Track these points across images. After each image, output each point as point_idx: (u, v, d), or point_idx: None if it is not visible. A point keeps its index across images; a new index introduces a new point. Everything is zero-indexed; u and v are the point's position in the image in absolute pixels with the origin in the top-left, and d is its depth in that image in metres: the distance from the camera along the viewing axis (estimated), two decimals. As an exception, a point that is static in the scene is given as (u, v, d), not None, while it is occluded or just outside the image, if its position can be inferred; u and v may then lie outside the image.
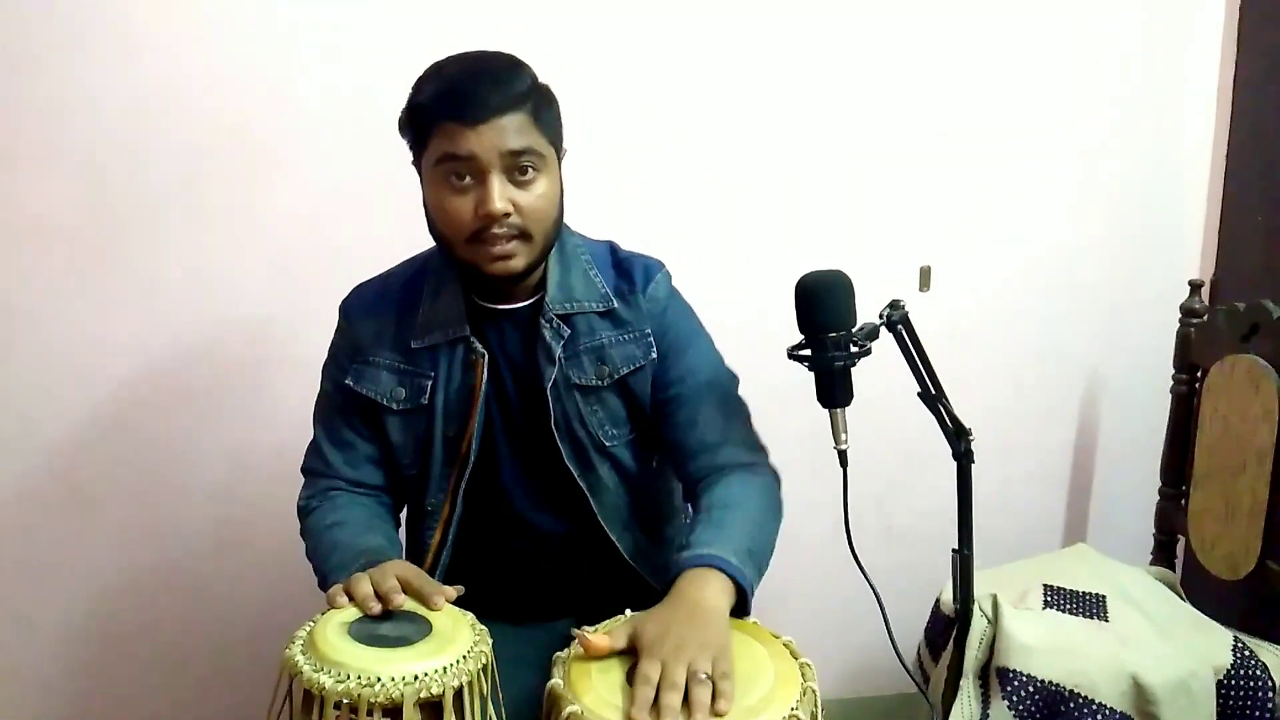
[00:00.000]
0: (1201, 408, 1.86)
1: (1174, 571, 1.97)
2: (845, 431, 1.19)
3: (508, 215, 1.16)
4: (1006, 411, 2.14)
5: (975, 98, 2.01)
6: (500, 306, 1.29)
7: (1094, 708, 1.51)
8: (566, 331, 1.28)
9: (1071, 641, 1.58)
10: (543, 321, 1.27)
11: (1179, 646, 1.57)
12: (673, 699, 0.94)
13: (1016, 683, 1.55)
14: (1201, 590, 1.85)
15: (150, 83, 1.73)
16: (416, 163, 1.24)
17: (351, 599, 1.09)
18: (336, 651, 0.99)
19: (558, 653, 1.07)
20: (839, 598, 1.96)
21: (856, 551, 1.22)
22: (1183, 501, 1.93)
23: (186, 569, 1.92)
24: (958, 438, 1.25)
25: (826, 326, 1.17)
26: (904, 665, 1.28)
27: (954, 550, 1.29)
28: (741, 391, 1.38)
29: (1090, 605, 1.67)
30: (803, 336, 1.19)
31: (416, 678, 0.97)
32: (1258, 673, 1.54)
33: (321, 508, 1.32)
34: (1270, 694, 1.54)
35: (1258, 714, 1.54)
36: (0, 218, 1.74)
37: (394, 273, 1.37)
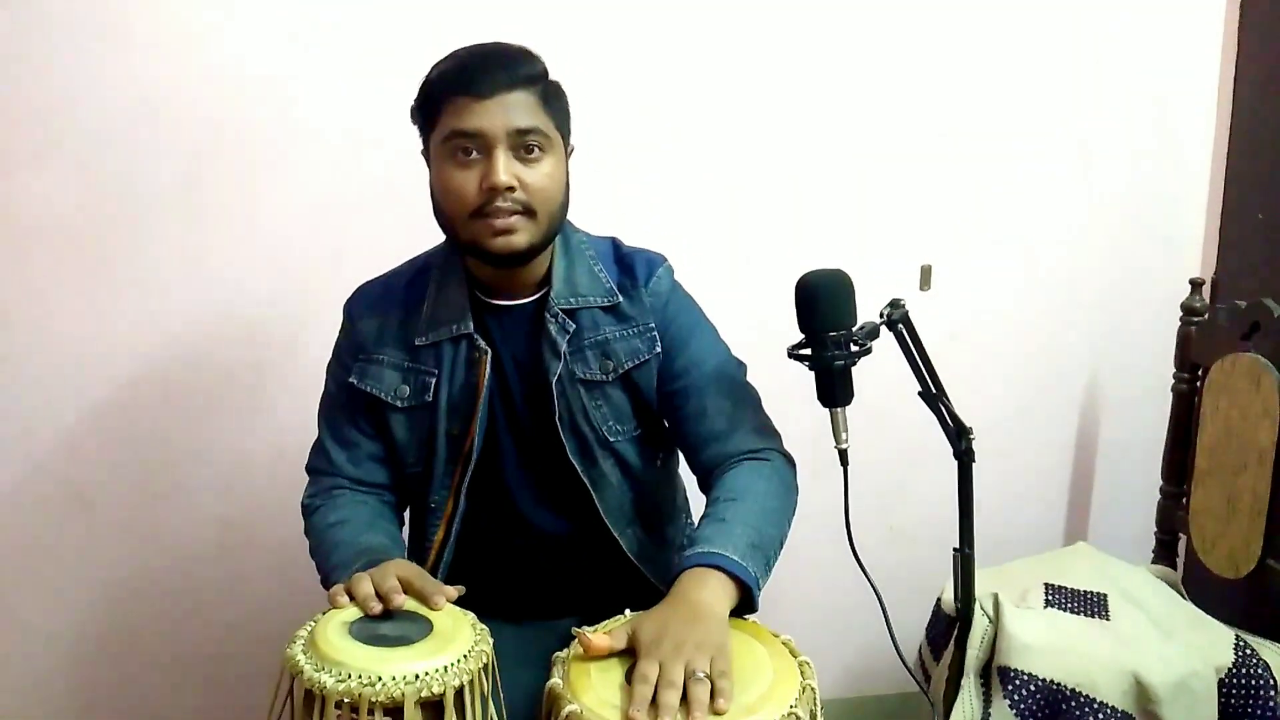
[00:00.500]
0: (1202, 406, 1.86)
1: (1175, 570, 1.97)
2: (846, 431, 1.20)
3: (511, 190, 1.17)
4: (1007, 410, 2.14)
5: (976, 97, 2.01)
6: (504, 302, 1.30)
7: (1095, 706, 1.51)
8: (571, 326, 1.28)
9: (1073, 640, 1.58)
10: (547, 316, 1.28)
11: (1180, 645, 1.57)
12: (670, 697, 0.95)
13: (1018, 682, 1.55)
14: (1203, 589, 1.85)
15: (149, 82, 1.73)
16: (425, 149, 1.25)
17: (352, 598, 1.09)
18: (337, 651, 0.99)
19: (557, 652, 1.07)
20: (840, 597, 1.95)
21: (857, 551, 1.22)
22: (1184, 500, 1.93)
23: (187, 570, 1.92)
24: (958, 437, 1.25)
25: (827, 325, 1.17)
26: (905, 664, 1.29)
27: (955, 549, 1.30)
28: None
29: (1092, 604, 1.67)
30: (803, 335, 1.19)
31: (418, 677, 0.97)
32: (1259, 671, 1.54)
33: (325, 506, 1.32)
34: (1272, 692, 1.54)
35: (1259, 713, 1.53)
36: None
37: (397, 272, 1.37)
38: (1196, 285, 1.93)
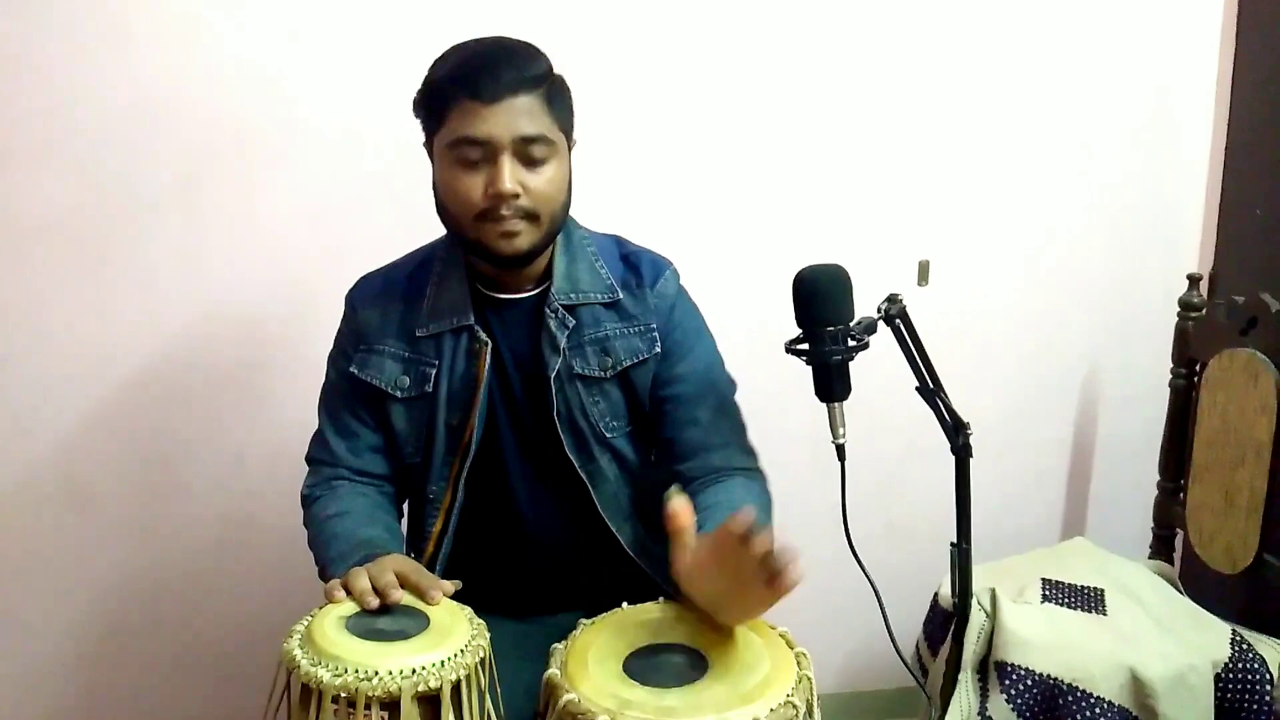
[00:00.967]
0: (1200, 401, 1.86)
1: (1172, 565, 1.98)
2: (843, 425, 1.20)
3: (516, 196, 1.18)
4: (1005, 405, 2.14)
5: (975, 92, 2.01)
6: (505, 296, 1.30)
7: (1092, 701, 1.51)
8: (571, 322, 1.29)
9: (1070, 635, 1.58)
10: (547, 311, 1.28)
11: (1177, 640, 1.57)
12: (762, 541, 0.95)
13: (1015, 676, 1.55)
14: (1199, 584, 1.86)
15: (148, 81, 1.73)
16: (428, 143, 1.25)
17: (349, 593, 1.09)
18: (334, 645, 0.99)
19: (555, 644, 1.08)
20: (838, 592, 1.95)
21: (855, 546, 1.22)
22: (1181, 495, 1.93)
23: (186, 566, 1.92)
24: (956, 432, 1.25)
25: (825, 320, 1.17)
26: (903, 659, 1.29)
27: (952, 544, 1.30)
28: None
29: (1088, 599, 1.67)
30: (801, 330, 1.19)
31: (414, 671, 0.97)
32: (1255, 666, 1.54)
33: (324, 498, 1.32)
34: (1268, 686, 1.54)
35: (1255, 706, 1.54)
36: (-2, 215, 1.74)
37: (399, 263, 1.38)
38: (1194, 281, 1.93)
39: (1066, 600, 1.67)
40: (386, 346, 1.31)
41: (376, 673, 0.96)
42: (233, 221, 1.80)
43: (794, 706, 0.98)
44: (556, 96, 1.22)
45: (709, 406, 1.32)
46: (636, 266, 1.34)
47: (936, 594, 1.78)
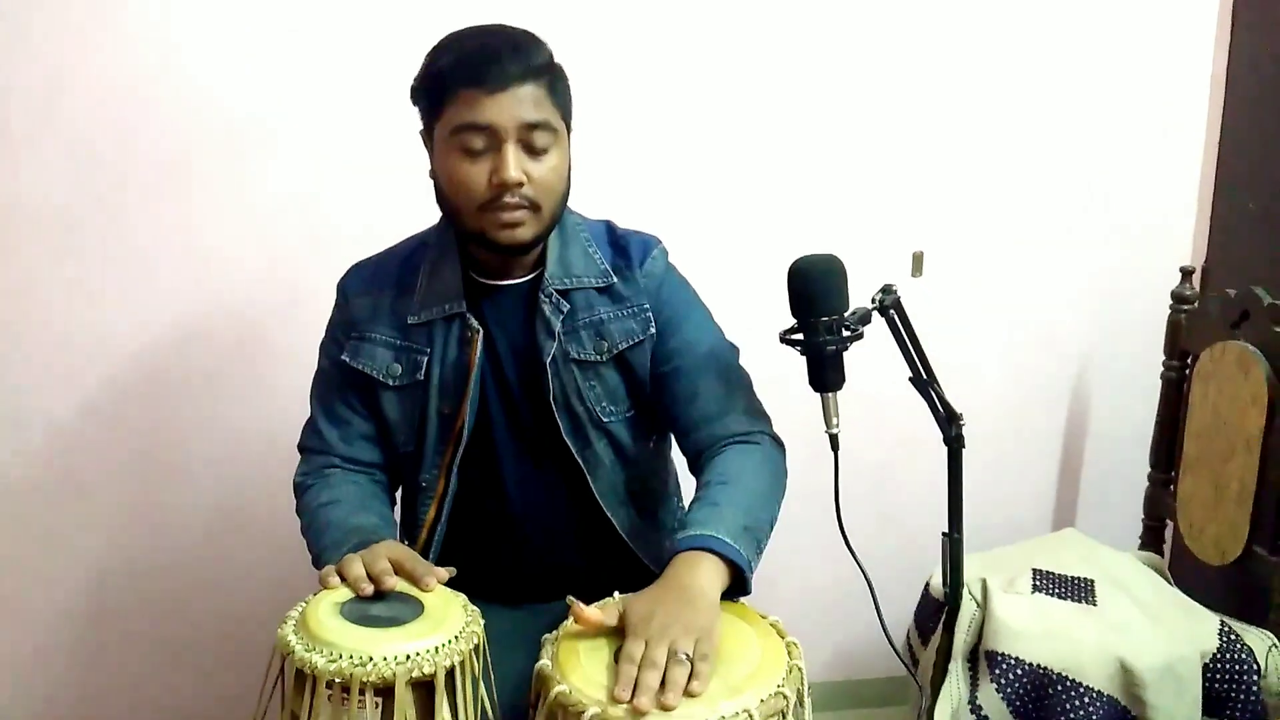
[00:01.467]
0: (1191, 394, 1.87)
1: (1162, 556, 1.99)
2: (837, 415, 1.20)
3: (521, 185, 1.17)
4: (997, 397, 2.15)
5: (969, 85, 2.01)
6: (498, 283, 1.30)
7: (1081, 690, 1.52)
8: (566, 307, 1.28)
9: (1060, 625, 1.59)
10: (542, 296, 1.28)
11: (1166, 630, 1.58)
12: (650, 678, 0.95)
13: (1005, 666, 1.56)
14: (1189, 575, 1.87)
15: (140, 66, 1.72)
16: (427, 133, 1.24)
17: (344, 579, 1.09)
18: (329, 631, 0.99)
19: (546, 634, 1.08)
20: (829, 581, 1.97)
21: (847, 535, 1.23)
22: (1171, 487, 1.94)
23: (179, 553, 1.92)
24: (949, 422, 1.26)
25: (819, 311, 1.17)
26: (894, 648, 1.29)
27: (944, 534, 1.30)
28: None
29: (1079, 589, 1.68)
30: (795, 321, 1.19)
31: (409, 657, 0.97)
32: (1243, 656, 1.56)
33: (316, 485, 1.32)
34: (1255, 677, 1.56)
35: (1243, 696, 1.55)
36: (-10, 200, 1.74)
37: (392, 250, 1.37)
38: (1187, 274, 1.94)
39: (1057, 590, 1.68)
40: (378, 334, 1.31)
41: (371, 659, 0.96)
42: (223, 208, 1.80)
43: (784, 696, 0.98)
44: (558, 85, 1.22)
45: (707, 378, 1.32)
46: (626, 249, 1.34)
47: (928, 583, 1.78)
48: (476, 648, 1.04)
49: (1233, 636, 1.57)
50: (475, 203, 1.19)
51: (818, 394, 1.20)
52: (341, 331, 1.34)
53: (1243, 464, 1.70)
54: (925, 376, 1.25)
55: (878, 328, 1.22)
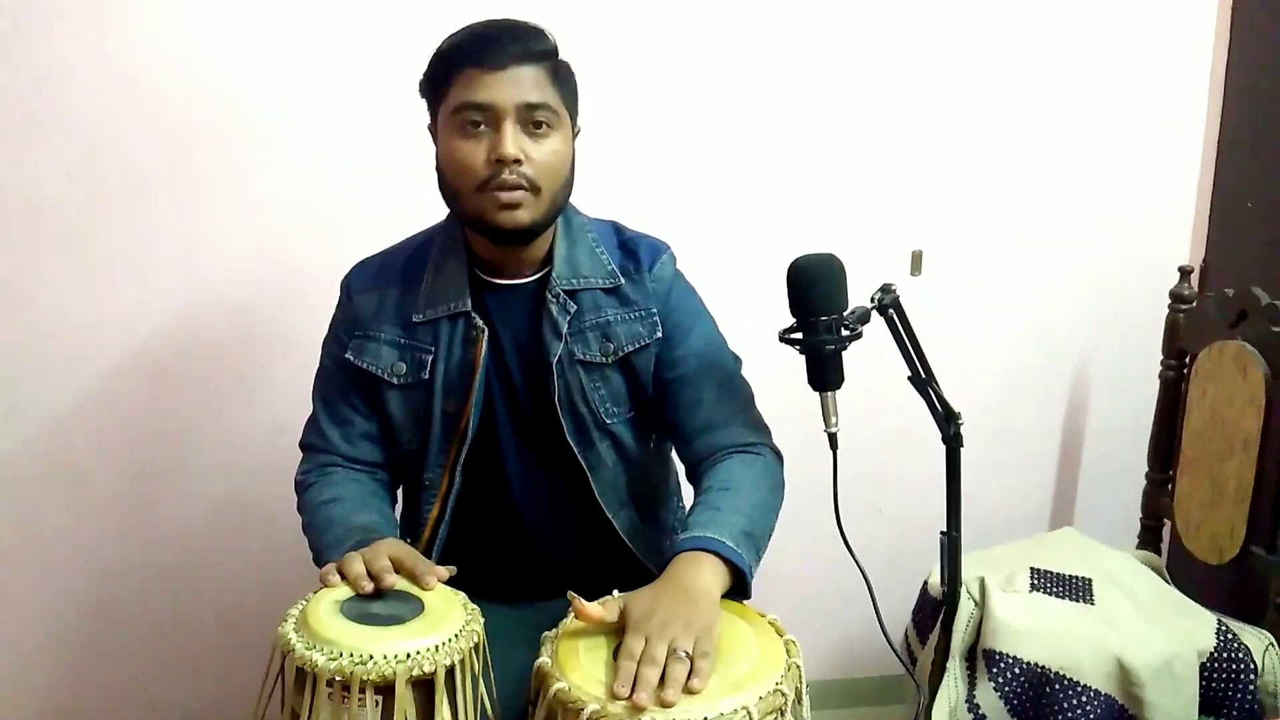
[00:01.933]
0: (1189, 393, 1.87)
1: (1159, 555, 1.99)
2: (836, 414, 1.20)
3: (519, 162, 1.17)
4: (996, 395, 2.15)
5: (968, 84, 2.01)
6: (504, 282, 1.30)
7: (1079, 689, 1.53)
8: (573, 307, 1.28)
9: (1057, 624, 1.59)
10: (549, 296, 1.28)
11: (1163, 629, 1.58)
12: (650, 674, 0.96)
13: (1002, 664, 1.56)
14: (1186, 574, 1.87)
15: (138, 60, 1.72)
16: (432, 123, 1.25)
17: (344, 577, 1.09)
18: (329, 629, 0.99)
19: (546, 632, 1.08)
20: (828, 580, 1.97)
21: (846, 534, 1.23)
22: (1169, 486, 1.94)
23: (179, 549, 1.92)
24: (947, 421, 1.26)
25: (818, 310, 1.17)
26: (892, 647, 1.29)
27: (942, 533, 1.30)
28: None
29: (1076, 588, 1.68)
30: (794, 320, 1.19)
31: (409, 656, 0.97)
32: (1240, 655, 1.56)
33: (318, 483, 1.32)
34: (1252, 675, 1.56)
35: (1240, 695, 1.55)
36: (-11, 196, 1.74)
37: (398, 247, 1.37)
38: (1185, 273, 1.94)
39: (1055, 589, 1.68)
40: (383, 332, 1.31)
41: (371, 657, 0.96)
42: (224, 202, 1.80)
43: (783, 694, 0.99)
44: (562, 75, 1.22)
45: (711, 387, 1.32)
46: (635, 251, 1.33)
47: (926, 582, 1.79)
48: (476, 646, 1.04)
49: (1230, 635, 1.58)
50: (474, 182, 1.18)
51: (817, 393, 1.20)
52: (345, 329, 1.34)
53: (1240, 463, 1.71)
54: (924, 375, 1.25)
55: (877, 327, 1.22)
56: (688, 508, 1.34)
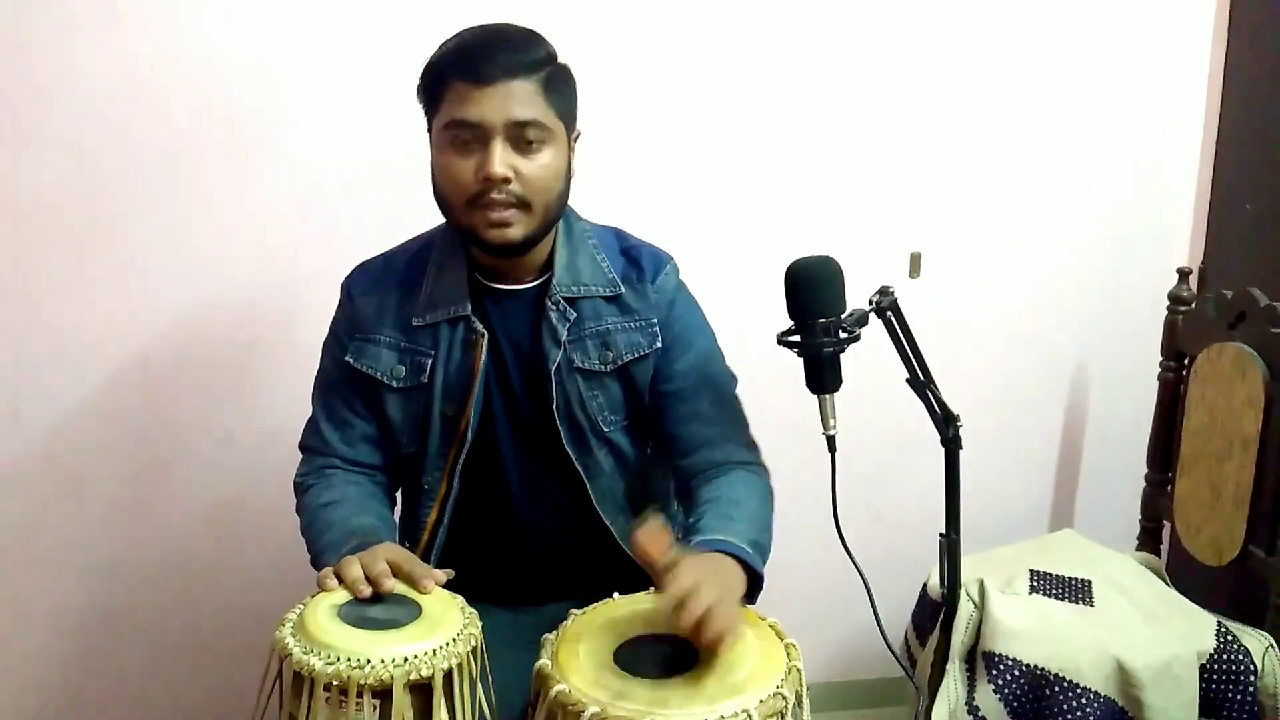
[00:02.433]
0: (1188, 395, 1.87)
1: (1159, 557, 1.99)
2: (834, 417, 1.20)
3: (507, 181, 1.17)
4: (995, 398, 2.15)
5: (966, 86, 2.01)
6: (505, 287, 1.30)
7: (1079, 691, 1.52)
8: (573, 315, 1.28)
9: (1057, 626, 1.59)
10: (549, 303, 1.27)
11: (1163, 631, 1.58)
12: (697, 605, 0.96)
13: (1002, 666, 1.56)
14: (1186, 575, 1.87)
15: (139, 64, 1.72)
16: (430, 129, 1.24)
17: (341, 581, 1.09)
18: (326, 634, 0.99)
19: (546, 634, 1.08)
20: (827, 582, 1.96)
21: (844, 536, 1.23)
22: (1169, 488, 1.94)
23: (177, 553, 1.92)
24: (946, 424, 1.26)
25: (816, 312, 1.17)
26: (891, 649, 1.29)
27: (941, 535, 1.30)
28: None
29: (1076, 590, 1.68)
30: (792, 322, 1.19)
31: (406, 660, 0.97)
32: (1240, 656, 1.56)
33: (317, 486, 1.32)
34: (1252, 677, 1.56)
35: (1239, 697, 1.55)
36: (-12, 199, 1.73)
37: (397, 251, 1.37)
38: (1184, 275, 1.94)
39: (1054, 591, 1.68)
40: (383, 336, 1.31)
41: (369, 661, 0.96)
42: (223, 206, 1.80)
43: (783, 697, 0.99)
44: (556, 84, 1.21)
45: (709, 401, 1.32)
46: (637, 261, 1.33)
47: (925, 584, 1.79)
48: (474, 650, 1.04)
49: (1230, 637, 1.58)
50: (463, 197, 1.18)
51: (815, 395, 1.20)
52: (345, 331, 1.33)
53: (1239, 465, 1.71)
54: (923, 378, 1.25)
55: (875, 329, 1.22)
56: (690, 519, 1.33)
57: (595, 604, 1.13)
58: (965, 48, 1.99)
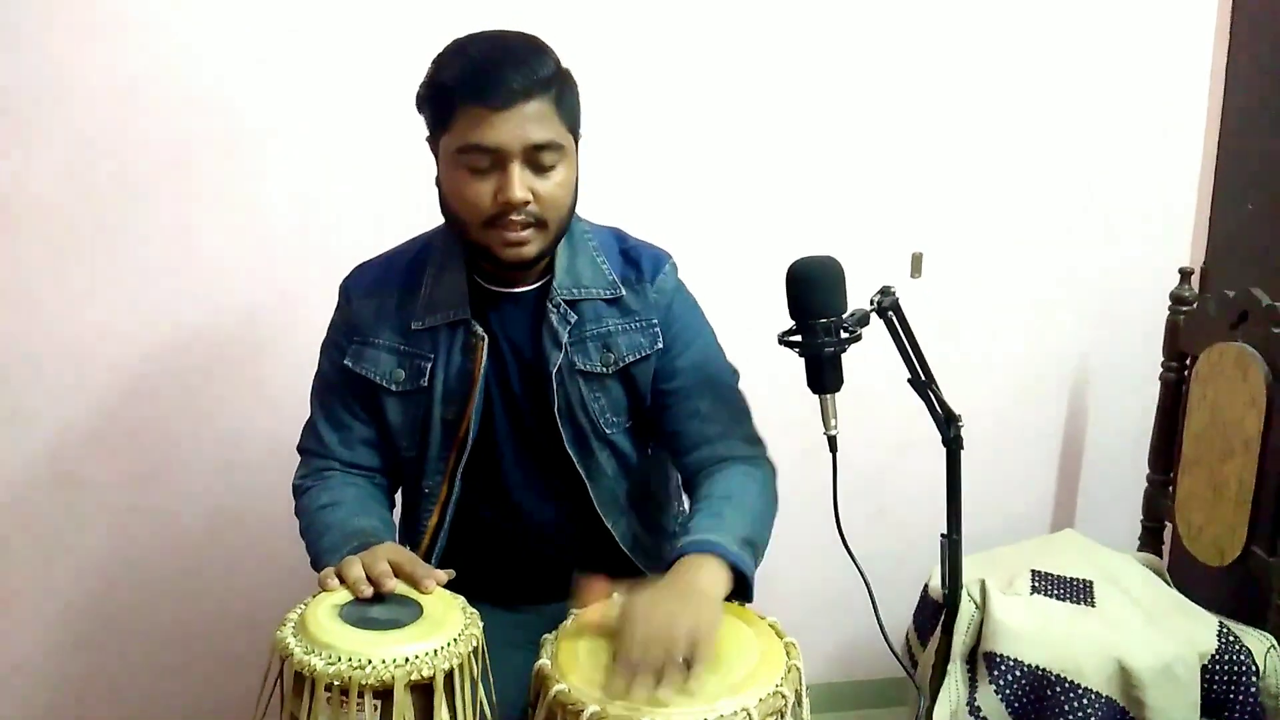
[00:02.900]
0: (1190, 395, 1.87)
1: (1161, 557, 1.99)
2: (835, 417, 1.20)
3: (526, 204, 1.16)
4: (996, 398, 2.15)
5: (968, 86, 2.01)
6: (505, 290, 1.29)
7: (1080, 692, 1.52)
8: (573, 317, 1.28)
9: (1058, 626, 1.59)
10: (550, 306, 1.27)
11: (1165, 631, 1.58)
12: (647, 675, 0.96)
13: (1004, 667, 1.56)
14: (1188, 576, 1.87)
15: (140, 65, 1.72)
16: (433, 140, 1.23)
17: (343, 582, 1.09)
18: (327, 634, 0.99)
19: (545, 634, 1.08)
20: (828, 583, 1.97)
21: (846, 537, 1.23)
22: (1170, 488, 1.94)
23: (178, 553, 1.92)
24: (947, 424, 1.25)
25: (817, 312, 1.17)
26: (892, 650, 1.29)
27: (943, 535, 1.30)
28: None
29: (1077, 590, 1.68)
30: (793, 322, 1.19)
31: (407, 660, 0.97)
32: (1241, 657, 1.56)
33: (315, 488, 1.31)
34: (1254, 678, 1.56)
35: (1241, 697, 1.55)
36: (-10, 200, 1.74)
37: (396, 252, 1.36)
38: (1186, 275, 1.94)
39: (1055, 591, 1.68)
40: (382, 339, 1.30)
41: (370, 661, 0.96)
42: (223, 207, 1.80)
43: (783, 696, 0.99)
44: (565, 96, 1.20)
45: (710, 398, 1.32)
46: (637, 261, 1.33)
47: (926, 584, 1.79)
48: (475, 650, 1.04)
49: (1231, 638, 1.58)
50: (480, 219, 1.18)
51: (816, 395, 1.20)
52: (344, 334, 1.33)
53: (1241, 465, 1.71)
54: (924, 378, 1.25)
55: (876, 329, 1.22)
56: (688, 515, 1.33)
57: (595, 604, 1.13)
58: (966, 48, 1.99)
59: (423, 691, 0.99)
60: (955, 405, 1.25)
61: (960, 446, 1.27)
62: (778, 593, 1.89)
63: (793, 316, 1.19)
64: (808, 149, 1.97)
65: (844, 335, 1.17)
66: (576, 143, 1.24)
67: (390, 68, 1.75)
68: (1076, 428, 2.23)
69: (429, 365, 1.28)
